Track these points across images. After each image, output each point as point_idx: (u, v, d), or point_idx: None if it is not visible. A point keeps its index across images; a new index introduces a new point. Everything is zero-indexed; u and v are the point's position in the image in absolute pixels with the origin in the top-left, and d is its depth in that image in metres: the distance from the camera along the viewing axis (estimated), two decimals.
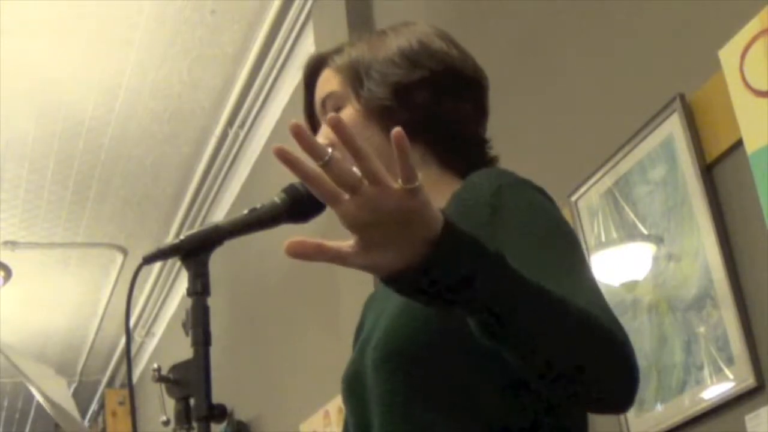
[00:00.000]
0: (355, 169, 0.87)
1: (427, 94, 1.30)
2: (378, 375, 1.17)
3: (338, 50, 1.36)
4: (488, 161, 1.35)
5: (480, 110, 1.35)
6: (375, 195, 0.87)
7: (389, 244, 0.89)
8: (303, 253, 0.89)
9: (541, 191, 1.21)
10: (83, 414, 7.74)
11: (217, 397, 1.23)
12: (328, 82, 1.35)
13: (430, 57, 1.31)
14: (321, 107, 1.36)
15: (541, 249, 1.11)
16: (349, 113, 1.32)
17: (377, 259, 0.90)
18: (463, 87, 1.32)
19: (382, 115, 1.30)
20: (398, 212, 0.87)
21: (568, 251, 1.14)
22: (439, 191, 1.27)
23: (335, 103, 1.33)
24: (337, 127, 0.87)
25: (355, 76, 1.32)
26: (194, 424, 1.21)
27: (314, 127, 1.38)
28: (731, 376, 1.91)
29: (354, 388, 1.23)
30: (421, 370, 1.14)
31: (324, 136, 1.34)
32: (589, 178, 2.34)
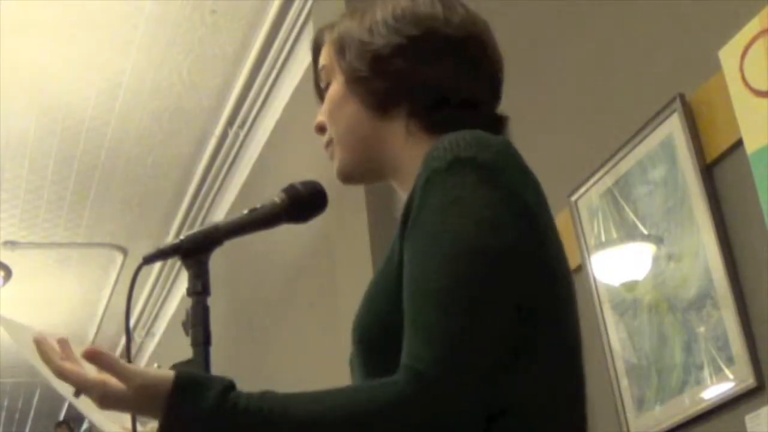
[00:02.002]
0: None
1: (402, 61, 1.27)
2: (357, 360, 1.19)
3: (332, 24, 1.38)
4: (489, 126, 1.27)
5: (471, 68, 1.29)
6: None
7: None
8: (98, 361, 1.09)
9: (483, 168, 1.12)
10: (82, 416, 7.72)
11: None
12: (323, 56, 1.37)
13: (410, 23, 1.29)
14: (321, 80, 1.38)
15: (427, 271, 1.07)
16: (334, 87, 1.33)
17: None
18: (445, 48, 1.28)
19: (361, 86, 1.30)
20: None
21: (465, 265, 1.06)
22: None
23: (326, 77, 1.35)
24: (94, 358, 1.09)
25: (340, 49, 1.33)
26: None
27: (323, 98, 1.39)
28: (731, 376, 1.91)
29: (352, 369, 1.25)
30: (380, 360, 1.13)
31: (321, 111, 1.36)
32: (589, 178, 2.34)
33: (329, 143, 1.35)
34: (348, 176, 1.35)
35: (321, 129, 1.36)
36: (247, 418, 1.04)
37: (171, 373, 1.07)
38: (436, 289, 1.06)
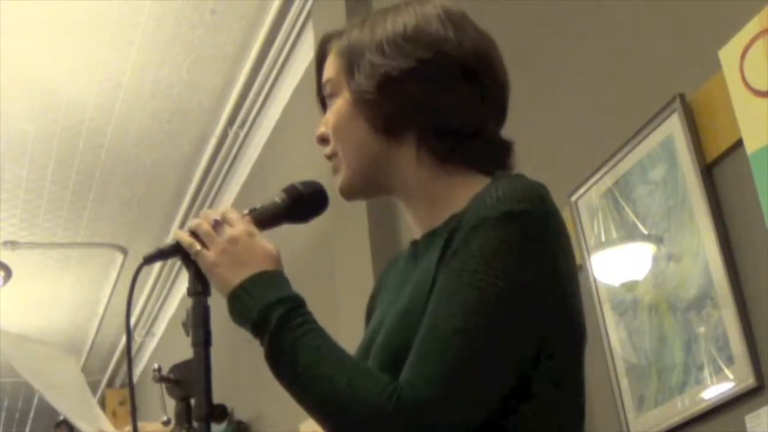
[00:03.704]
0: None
1: (413, 85, 1.25)
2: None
3: (341, 33, 1.35)
4: (497, 153, 1.31)
5: (481, 95, 1.28)
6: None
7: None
8: None
9: (531, 226, 1.16)
10: None
11: (217, 397, 1.23)
12: (329, 67, 1.34)
13: (421, 44, 1.27)
14: (325, 89, 1.36)
15: (451, 312, 1.12)
16: (340, 103, 1.31)
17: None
18: (456, 74, 1.27)
19: (369, 108, 1.27)
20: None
21: (486, 319, 1.11)
22: (438, 188, 1.26)
23: (332, 89, 1.33)
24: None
25: (349, 65, 1.30)
26: (194, 424, 1.21)
27: (325, 105, 1.37)
28: (731, 376, 1.91)
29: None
30: None
31: (324, 122, 1.34)
32: (589, 178, 2.34)
33: (332, 156, 1.33)
34: (351, 195, 1.33)
35: (323, 140, 1.33)
36: (298, 337, 1.24)
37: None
38: (452, 331, 1.11)
